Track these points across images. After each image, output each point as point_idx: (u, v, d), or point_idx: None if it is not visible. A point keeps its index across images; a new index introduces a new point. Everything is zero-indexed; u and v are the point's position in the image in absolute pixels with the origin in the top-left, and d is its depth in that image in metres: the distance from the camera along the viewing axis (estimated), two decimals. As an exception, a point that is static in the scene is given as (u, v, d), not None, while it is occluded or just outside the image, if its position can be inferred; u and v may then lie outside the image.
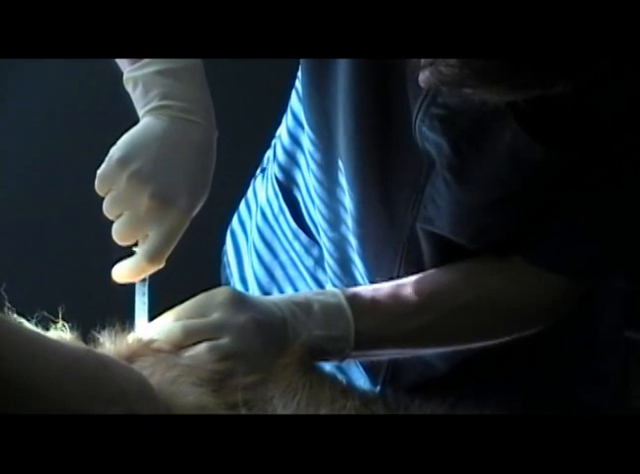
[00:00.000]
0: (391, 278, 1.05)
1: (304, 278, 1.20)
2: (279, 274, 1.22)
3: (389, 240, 1.05)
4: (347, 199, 1.06)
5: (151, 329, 0.94)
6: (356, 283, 1.11)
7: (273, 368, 0.93)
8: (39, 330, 0.88)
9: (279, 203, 1.22)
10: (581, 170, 0.94)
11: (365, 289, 1.03)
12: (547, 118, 0.84)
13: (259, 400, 0.89)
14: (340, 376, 1.10)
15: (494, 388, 1.12)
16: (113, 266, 0.97)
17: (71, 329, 0.91)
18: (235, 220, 1.33)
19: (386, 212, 1.04)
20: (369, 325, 0.99)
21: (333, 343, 0.98)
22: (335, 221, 1.10)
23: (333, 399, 0.91)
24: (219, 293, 0.96)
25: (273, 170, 1.23)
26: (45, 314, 0.91)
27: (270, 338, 0.94)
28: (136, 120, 0.98)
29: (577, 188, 0.95)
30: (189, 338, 0.93)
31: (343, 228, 1.10)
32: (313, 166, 1.10)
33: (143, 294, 0.98)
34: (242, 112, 1.78)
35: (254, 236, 1.26)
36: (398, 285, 1.02)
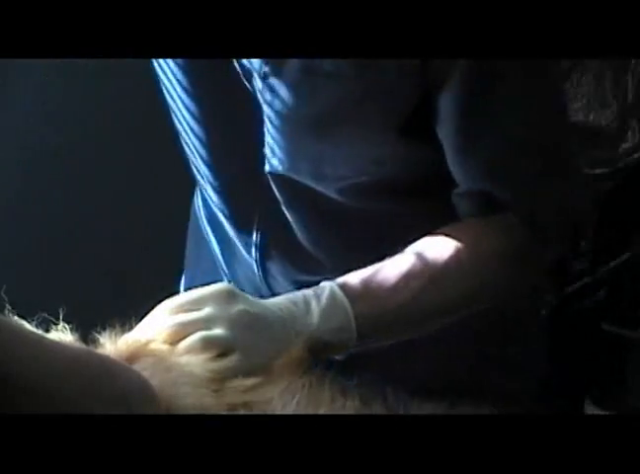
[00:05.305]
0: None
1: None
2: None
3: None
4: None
5: (145, 323, 0.95)
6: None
7: (272, 369, 0.93)
8: (39, 331, 0.88)
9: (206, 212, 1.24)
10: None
11: (352, 276, 1.03)
12: None
13: (258, 401, 0.89)
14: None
15: (490, 387, 1.12)
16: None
17: (72, 330, 0.91)
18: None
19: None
20: (366, 307, 1.00)
21: (335, 334, 0.98)
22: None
23: (332, 398, 0.92)
24: (213, 287, 0.96)
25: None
26: (46, 315, 0.91)
27: (265, 329, 0.95)
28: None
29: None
30: (182, 330, 0.93)
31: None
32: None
33: None
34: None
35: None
36: (381, 265, 1.03)
